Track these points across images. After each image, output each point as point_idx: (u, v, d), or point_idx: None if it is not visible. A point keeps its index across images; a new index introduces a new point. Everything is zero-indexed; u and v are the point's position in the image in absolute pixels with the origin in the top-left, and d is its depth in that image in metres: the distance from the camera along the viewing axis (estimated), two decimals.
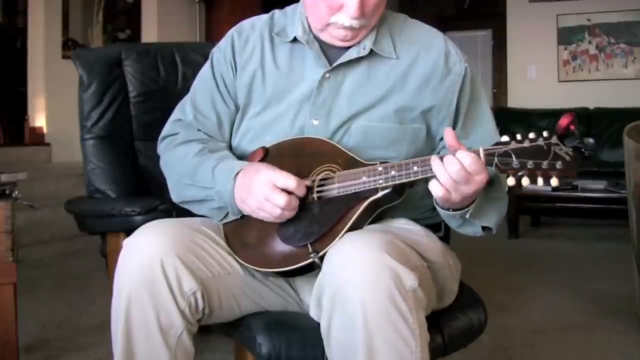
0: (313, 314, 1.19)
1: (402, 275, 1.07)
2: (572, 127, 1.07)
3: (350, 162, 1.23)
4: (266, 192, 1.18)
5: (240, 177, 1.23)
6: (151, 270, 1.15)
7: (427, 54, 1.34)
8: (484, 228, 1.25)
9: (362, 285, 1.05)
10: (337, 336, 1.09)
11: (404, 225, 1.29)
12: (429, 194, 1.17)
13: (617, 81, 6.62)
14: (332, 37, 1.31)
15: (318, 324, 1.14)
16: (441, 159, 1.11)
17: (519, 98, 6.87)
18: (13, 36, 5.67)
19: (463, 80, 1.34)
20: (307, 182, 1.22)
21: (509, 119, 6.14)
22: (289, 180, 1.18)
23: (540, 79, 6.89)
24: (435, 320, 1.26)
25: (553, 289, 3.29)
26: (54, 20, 5.18)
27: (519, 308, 2.97)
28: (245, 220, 1.27)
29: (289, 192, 1.18)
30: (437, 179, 1.11)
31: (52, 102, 5.12)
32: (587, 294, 3.18)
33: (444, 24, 6.91)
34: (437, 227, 1.37)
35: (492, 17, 7.32)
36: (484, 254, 3.93)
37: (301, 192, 1.19)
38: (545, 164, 1.06)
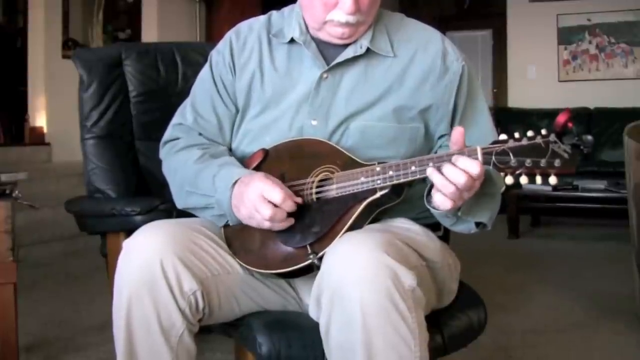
0: (312, 313, 1.19)
1: (401, 275, 1.07)
2: (569, 125, 1.06)
3: (348, 163, 1.23)
4: (255, 203, 1.18)
5: (237, 186, 1.23)
6: (151, 271, 1.15)
7: (425, 52, 1.34)
8: (477, 224, 1.25)
9: (361, 285, 1.05)
10: (336, 336, 1.09)
11: (403, 225, 1.29)
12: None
13: (617, 81, 6.61)
14: (330, 35, 1.31)
15: (318, 324, 1.14)
16: (440, 170, 1.09)
17: (519, 98, 6.86)
18: (13, 36, 5.67)
19: (460, 79, 1.33)
20: (298, 200, 1.21)
21: (509, 119, 6.11)
22: (275, 194, 1.17)
23: (540, 78, 6.88)
24: (435, 320, 1.26)
25: (553, 289, 3.29)
26: (54, 20, 5.18)
27: (519, 308, 2.97)
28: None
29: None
30: (444, 194, 1.10)
31: (52, 102, 5.11)
32: (587, 294, 3.18)
33: (444, 24, 6.93)
34: (436, 227, 1.37)
35: (492, 17, 7.33)
36: (484, 254, 3.93)
37: (287, 207, 1.18)
38: (543, 162, 1.05)
